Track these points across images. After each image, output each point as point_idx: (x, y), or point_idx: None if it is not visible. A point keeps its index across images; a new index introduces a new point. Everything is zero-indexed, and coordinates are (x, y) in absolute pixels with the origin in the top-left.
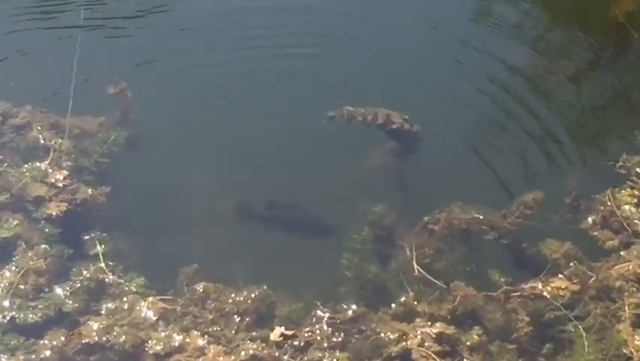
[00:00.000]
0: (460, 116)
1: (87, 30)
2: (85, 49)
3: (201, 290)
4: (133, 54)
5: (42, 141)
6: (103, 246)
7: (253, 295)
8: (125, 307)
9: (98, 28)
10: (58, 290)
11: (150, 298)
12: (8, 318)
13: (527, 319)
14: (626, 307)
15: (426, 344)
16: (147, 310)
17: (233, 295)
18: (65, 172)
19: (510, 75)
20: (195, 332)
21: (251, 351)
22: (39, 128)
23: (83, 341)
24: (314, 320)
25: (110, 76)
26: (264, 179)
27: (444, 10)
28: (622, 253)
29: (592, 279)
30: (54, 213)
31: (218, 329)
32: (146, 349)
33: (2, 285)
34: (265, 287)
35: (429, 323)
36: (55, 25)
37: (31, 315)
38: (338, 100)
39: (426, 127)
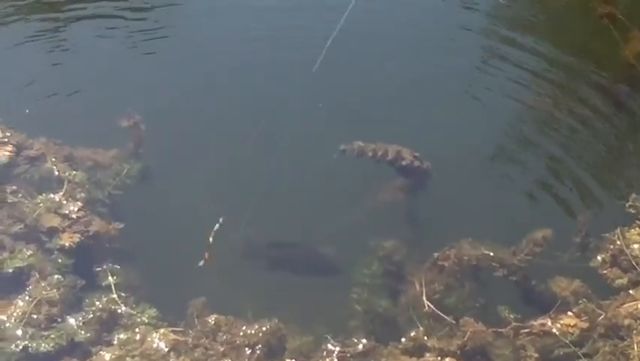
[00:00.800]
0: (471, 154)
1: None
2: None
3: (212, 322)
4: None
5: (56, 173)
6: (115, 277)
7: (264, 329)
8: (137, 338)
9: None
10: (71, 320)
11: (162, 330)
12: (21, 347)
13: (536, 355)
14: (635, 346)
15: None
16: (159, 341)
17: (244, 327)
18: (79, 204)
19: (522, 115)
20: None
21: None
22: (53, 159)
23: None
24: (324, 353)
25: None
26: (277, 213)
27: (456, 51)
28: (631, 291)
29: (601, 317)
30: (67, 244)
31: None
32: None
33: (16, 314)
34: (276, 320)
35: (439, 358)
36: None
37: (43, 344)
38: (349, 135)
39: (437, 163)
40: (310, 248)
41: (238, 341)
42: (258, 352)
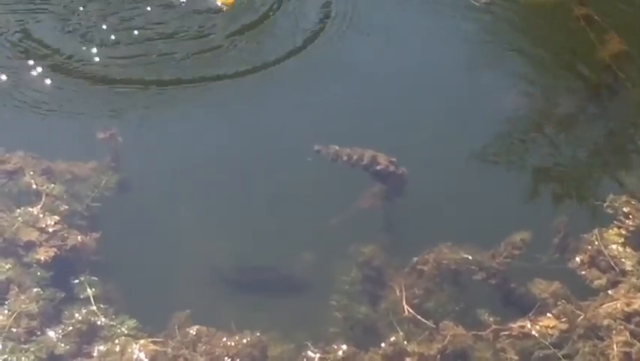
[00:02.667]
0: (448, 158)
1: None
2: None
3: (194, 333)
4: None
5: (34, 186)
6: (94, 289)
7: (244, 341)
8: (117, 349)
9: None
10: (51, 333)
11: (142, 341)
12: None
13: (516, 358)
14: (614, 346)
15: None
16: (139, 352)
17: (224, 338)
18: (56, 217)
19: (497, 117)
20: None
21: None
22: (31, 173)
23: None
24: (305, 360)
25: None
26: (254, 222)
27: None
28: (610, 291)
29: (580, 318)
30: (42, 258)
31: None
32: None
33: None
34: (257, 333)
35: None
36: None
37: (23, 358)
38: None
39: (413, 168)
40: (273, 269)
41: (217, 352)
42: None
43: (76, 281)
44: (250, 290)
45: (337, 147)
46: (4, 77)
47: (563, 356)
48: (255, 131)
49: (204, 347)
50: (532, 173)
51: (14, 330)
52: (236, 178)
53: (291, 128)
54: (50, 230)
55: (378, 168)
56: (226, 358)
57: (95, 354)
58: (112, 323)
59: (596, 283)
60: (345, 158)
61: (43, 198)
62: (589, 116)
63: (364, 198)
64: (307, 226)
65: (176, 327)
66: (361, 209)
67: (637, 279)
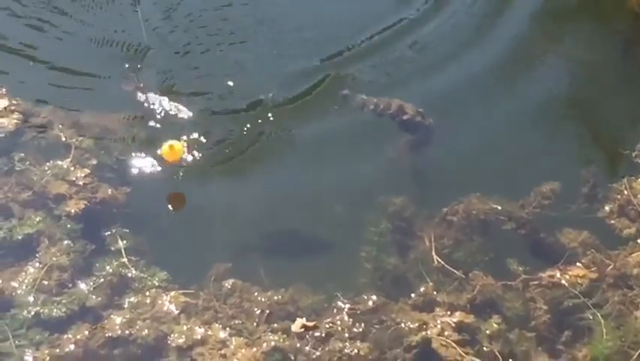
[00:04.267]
0: (477, 108)
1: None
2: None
3: (229, 286)
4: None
5: (63, 139)
6: (125, 241)
7: (276, 298)
8: (148, 301)
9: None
10: (82, 285)
11: (172, 293)
12: (33, 313)
13: (546, 307)
14: None
15: (446, 333)
16: (169, 304)
17: (256, 293)
18: (86, 170)
19: (525, 67)
20: (217, 325)
21: (272, 343)
22: (60, 126)
23: (107, 335)
24: (335, 311)
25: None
26: (284, 172)
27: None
28: (639, 240)
29: (610, 267)
30: (73, 210)
31: (240, 322)
32: (169, 342)
33: (26, 281)
34: (289, 290)
35: (448, 313)
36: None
37: (55, 310)
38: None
39: (442, 119)
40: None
41: (246, 306)
42: (268, 311)
43: (107, 233)
44: (282, 244)
45: (364, 96)
46: None
47: (592, 305)
48: None
49: (234, 300)
50: (561, 123)
51: (45, 283)
52: (268, 126)
53: None
54: (80, 183)
55: (405, 117)
56: (256, 310)
57: (125, 306)
58: (143, 275)
59: (626, 232)
60: (371, 107)
61: (73, 151)
62: (616, 66)
63: (393, 149)
64: (337, 177)
65: (213, 278)
66: (390, 160)
67: None
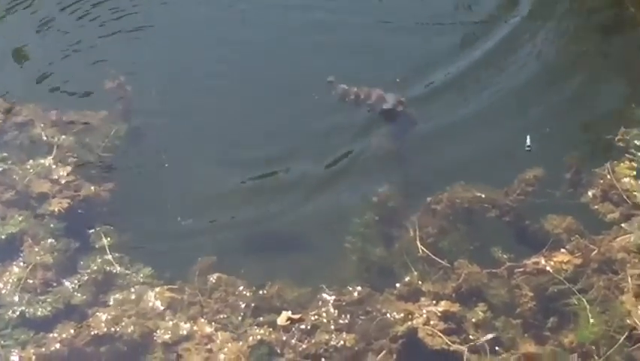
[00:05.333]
0: (459, 97)
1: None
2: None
3: (214, 281)
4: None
5: (45, 138)
6: (109, 238)
7: (261, 292)
8: (133, 297)
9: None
10: (67, 283)
11: (157, 288)
12: (18, 313)
13: (531, 294)
14: (629, 279)
15: (431, 322)
16: (155, 300)
17: (241, 287)
18: (69, 168)
19: (508, 53)
20: (202, 320)
21: (258, 337)
22: (42, 125)
23: (92, 333)
24: (320, 303)
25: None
26: (267, 162)
27: None
28: (623, 225)
29: (594, 252)
30: (56, 209)
31: (225, 316)
32: (155, 338)
33: (11, 280)
34: (275, 286)
35: (434, 302)
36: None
37: (40, 309)
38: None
39: (424, 108)
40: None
41: (231, 300)
42: (254, 305)
43: (92, 231)
44: (266, 237)
45: (345, 86)
46: None
47: (577, 291)
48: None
49: (219, 295)
50: (543, 109)
51: (30, 282)
52: (249, 125)
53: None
54: (63, 181)
55: (386, 107)
56: (241, 304)
57: (111, 303)
58: (127, 271)
59: (609, 216)
60: (352, 96)
61: (55, 150)
62: (598, 50)
63: (374, 139)
64: (320, 167)
65: (197, 273)
66: (372, 149)
67: None
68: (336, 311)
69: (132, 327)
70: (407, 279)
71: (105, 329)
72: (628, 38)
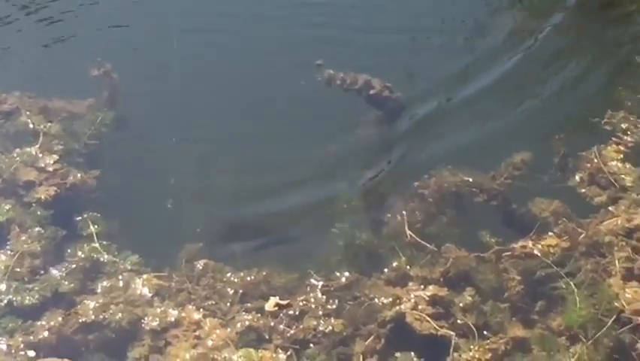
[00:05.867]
0: (445, 82)
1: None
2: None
3: (200, 267)
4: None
5: (31, 126)
6: (96, 226)
7: (249, 278)
8: (121, 285)
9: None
10: (54, 271)
11: (145, 276)
12: (5, 301)
13: (519, 278)
14: (616, 262)
15: (419, 307)
16: (142, 287)
17: (229, 274)
18: (55, 156)
19: (491, 33)
20: (191, 307)
21: (246, 323)
22: (28, 113)
23: (80, 321)
24: (308, 288)
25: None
26: (255, 152)
27: None
28: (610, 208)
29: (582, 235)
30: (43, 197)
31: (214, 302)
32: (143, 325)
33: None
34: (263, 271)
35: (422, 287)
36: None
37: (28, 297)
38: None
39: (410, 93)
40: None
41: (219, 287)
42: (242, 291)
43: (79, 219)
44: (252, 224)
45: (331, 71)
46: None
47: (565, 274)
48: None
49: (207, 281)
50: (530, 93)
51: (17, 270)
52: (236, 108)
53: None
54: (49, 169)
55: (372, 92)
56: (229, 290)
57: (98, 290)
58: (115, 259)
59: (597, 200)
60: (338, 82)
61: (41, 138)
62: (584, 32)
63: (361, 124)
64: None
65: (184, 259)
66: (359, 135)
67: (637, 195)
68: (324, 297)
69: (120, 314)
70: (395, 264)
71: (93, 317)
72: (617, 21)
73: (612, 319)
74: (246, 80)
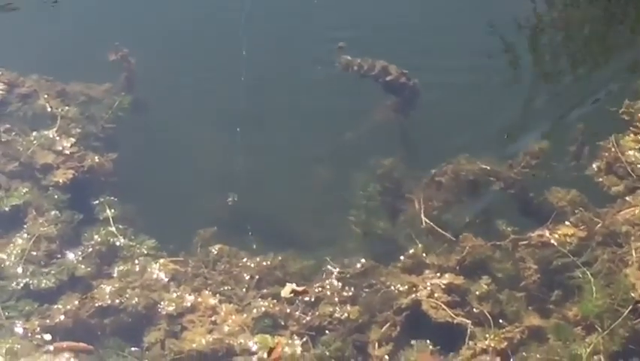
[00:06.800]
0: (463, 70)
1: None
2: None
3: (215, 252)
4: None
5: (49, 109)
6: (112, 210)
7: (265, 263)
8: (137, 269)
9: None
10: (70, 255)
11: (161, 260)
12: (22, 284)
13: (535, 267)
14: (633, 252)
15: (435, 295)
16: (159, 271)
17: (245, 259)
18: (72, 139)
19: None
20: (207, 292)
21: (262, 309)
22: (46, 96)
23: (97, 305)
24: (324, 275)
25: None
26: (270, 139)
27: None
28: (627, 198)
29: (598, 225)
30: (61, 180)
31: (230, 288)
32: (159, 310)
33: (15, 252)
34: (278, 257)
35: (438, 275)
36: None
37: (44, 281)
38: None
39: (429, 81)
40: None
41: (236, 272)
42: (258, 277)
43: (95, 203)
44: (270, 209)
45: (349, 57)
46: None
47: (582, 264)
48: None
49: (223, 267)
50: (548, 82)
51: (34, 254)
52: (252, 95)
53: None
54: (67, 152)
55: (389, 78)
56: (245, 276)
57: (115, 275)
58: (131, 243)
59: (614, 189)
60: (355, 67)
61: (59, 121)
62: (603, 21)
63: (378, 111)
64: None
65: (199, 245)
66: (376, 122)
67: None
68: (340, 284)
69: (136, 299)
70: (411, 251)
71: (109, 301)
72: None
73: (628, 309)
74: (264, 64)
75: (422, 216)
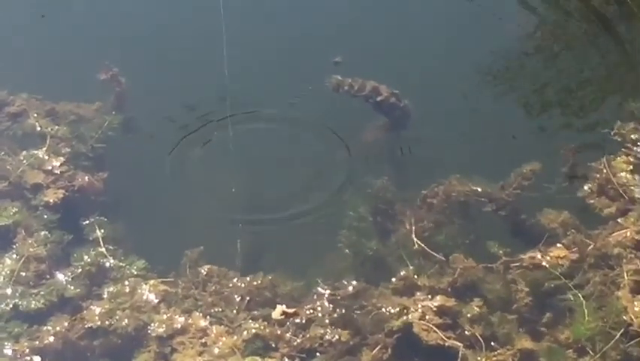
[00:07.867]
0: (453, 91)
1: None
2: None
3: (205, 273)
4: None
5: (38, 128)
6: (102, 230)
7: (255, 283)
8: (127, 290)
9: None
10: (60, 276)
11: (151, 281)
12: (11, 305)
13: (527, 289)
14: (625, 274)
15: (427, 317)
16: (149, 293)
17: (235, 279)
18: (62, 159)
19: (501, 43)
20: (197, 313)
21: (253, 330)
22: (35, 115)
23: (86, 326)
24: (315, 297)
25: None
26: (262, 157)
27: None
28: (619, 220)
29: (590, 247)
30: (51, 200)
31: (220, 309)
32: (149, 331)
33: (4, 273)
34: (269, 276)
35: (429, 297)
36: None
37: (33, 302)
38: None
39: (420, 101)
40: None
41: (226, 292)
42: (248, 298)
43: (85, 223)
44: (259, 230)
45: (339, 77)
46: None
47: (573, 286)
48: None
49: (213, 288)
50: (540, 103)
51: (23, 274)
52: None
53: None
54: (57, 172)
55: (380, 99)
56: (236, 297)
57: (104, 296)
58: (121, 264)
59: (606, 211)
60: (346, 87)
61: (48, 140)
62: (594, 43)
63: (368, 132)
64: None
65: (188, 265)
66: (366, 143)
67: None
68: (331, 306)
69: (126, 320)
70: (402, 273)
71: (99, 322)
72: (628, 29)
73: (620, 332)
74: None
75: (413, 237)
